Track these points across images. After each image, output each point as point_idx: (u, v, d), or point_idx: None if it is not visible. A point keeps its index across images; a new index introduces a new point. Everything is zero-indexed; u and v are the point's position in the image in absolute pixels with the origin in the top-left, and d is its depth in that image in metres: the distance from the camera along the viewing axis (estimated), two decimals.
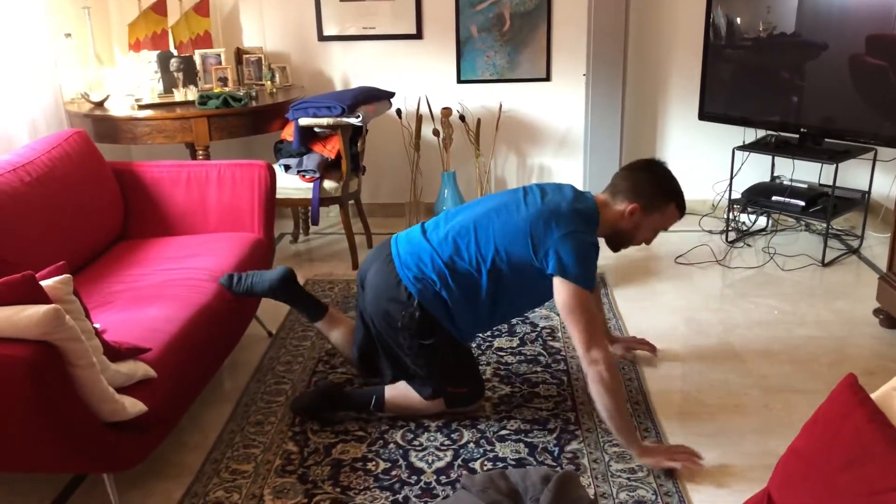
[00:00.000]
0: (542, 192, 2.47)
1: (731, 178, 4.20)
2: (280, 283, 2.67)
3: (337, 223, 4.55)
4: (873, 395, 1.35)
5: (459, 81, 4.52)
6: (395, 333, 2.46)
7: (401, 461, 2.39)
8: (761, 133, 4.23)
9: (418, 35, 4.46)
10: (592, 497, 2.20)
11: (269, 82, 4.22)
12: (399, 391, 2.58)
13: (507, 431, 2.53)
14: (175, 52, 4.06)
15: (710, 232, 4.33)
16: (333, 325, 2.75)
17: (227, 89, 3.97)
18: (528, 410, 2.65)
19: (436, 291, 2.41)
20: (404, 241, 2.54)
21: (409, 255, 2.47)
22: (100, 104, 3.77)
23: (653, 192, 2.44)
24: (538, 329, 3.22)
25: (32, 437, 1.92)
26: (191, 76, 3.98)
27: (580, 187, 4.57)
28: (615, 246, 2.55)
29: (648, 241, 2.55)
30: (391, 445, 2.47)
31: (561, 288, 2.31)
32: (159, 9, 4.12)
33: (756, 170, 4.35)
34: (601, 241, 2.48)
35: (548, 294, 2.38)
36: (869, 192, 4.00)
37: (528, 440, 2.48)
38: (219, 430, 2.58)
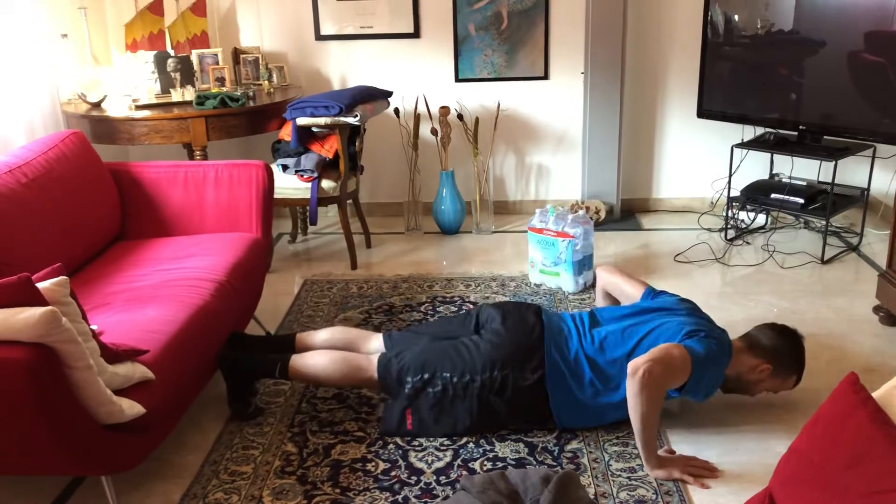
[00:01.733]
0: (699, 315, 2.61)
1: (730, 175, 4.20)
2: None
3: (335, 223, 4.54)
4: (874, 394, 1.35)
5: (457, 80, 4.51)
6: (483, 369, 2.43)
7: (400, 462, 2.38)
8: (760, 130, 4.23)
9: (416, 34, 4.45)
10: (592, 497, 2.19)
11: (266, 82, 4.21)
12: (304, 360, 2.55)
13: (507, 431, 2.52)
14: (172, 53, 4.05)
15: (710, 230, 4.33)
16: (306, 351, 2.68)
17: (224, 89, 3.96)
18: None
19: (566, 381, 2.44)
20: (555, 319, 2.61)
21: (557, 333, 2.53)
22: (97, 105, 3.76)
23: (788, 361, 2.53)
24: None
25: (30, 440, 1.91)
26: (188, 76, 3.97)
27: (579, 185, 4.59)
28: (728, 389, 2.58)
29: (754, 395, 2.60)
30: (390, 446, 2.46)
31: (673, 344, 2.35)
32: (156, 9, 4.11)
33: (755, 167, 4.35)
34: None
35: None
36: (868, 188, 4.00)
37: (528, 440, 2.48)
38: (218, 432, 2.57)
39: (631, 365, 2.26)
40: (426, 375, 2.45)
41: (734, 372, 2.49)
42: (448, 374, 2.44)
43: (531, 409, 2.48)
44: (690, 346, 2.34)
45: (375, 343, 2.70)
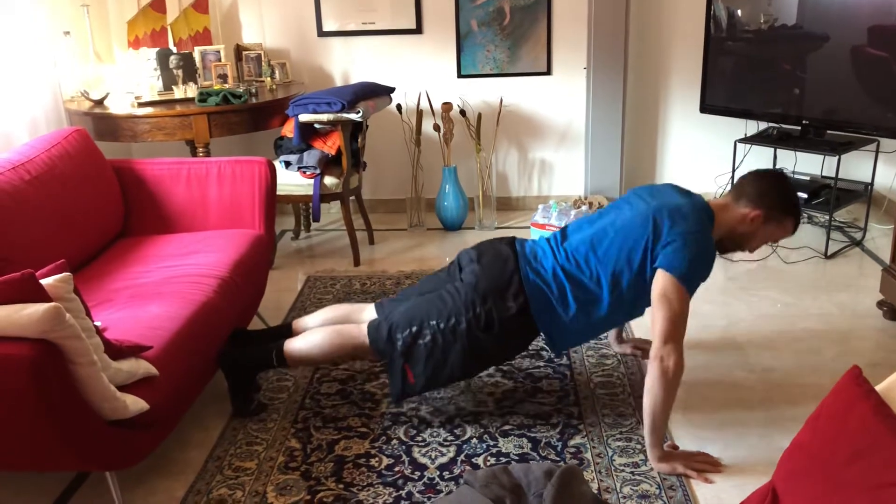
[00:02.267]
0: (654, 191, 2.51)
1: (733, 170, 4.19)
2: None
3: (338, 219, 4.54)
4: (878, 388, 1.34)
5: (460, 76, 4.50)
6: (466, 308, 2.39)
7: (404, 457, 2.38)
8: (763, 125, 4.22)
9: (418, 30, 4.45)
10: (596, 491, 2.20)
11: (268, 78, 4.20)
12: (298, 342, 2.54)
13: (510, 426, 2.52)
14: (174, 50, 4.05)
15: None
16: (308, 325, 2.70)
17: (226, 86, 3.96)
18: (530, 405, 2.64)
19: (549, 300, 2.40)
20: (529, 244, 2.55)
21: (531, 256, 2.47)
22: (99, 102, 3.76)
23: (778, 202, 2.43)
24: None
25: (34, 436, 1.91)
26: (190, 73, 3.97)
27: (581, 181, 4.58)
28: (724, 249, 2.51)
29: (754, 250, 2.53)
30: (394, 441, 2.46)
31: (663, 280, 2.27)
32: (158, 6, 4.11)
33: (758, 162, 4.33)
34: None
35: None
36: (872, 183, 3.99)
37: (532, 435, 2.48)
38: (221, 428, 2.57)
39: (655, 350, 2.24)
40: (414, 328, 2.41)
41: (725, 230, 2.42)
42: (434, 322, 2.40)
43: (523, 337, 2.46)
44: (673, 267, 2.26)
45: (368, 313, 2.67)
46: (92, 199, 2.94)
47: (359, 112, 3.68)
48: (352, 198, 4.08)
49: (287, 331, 2.74)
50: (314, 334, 2.55)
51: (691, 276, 2.29)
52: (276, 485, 2.28)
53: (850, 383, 1.35)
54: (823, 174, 4.13)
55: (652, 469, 2.29)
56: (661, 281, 2.28)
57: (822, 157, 4.03)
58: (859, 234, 4.07)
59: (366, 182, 4.53)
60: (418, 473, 2.30)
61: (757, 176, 2.49)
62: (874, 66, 3.64)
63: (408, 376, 2.44)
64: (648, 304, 2.37)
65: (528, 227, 3.72)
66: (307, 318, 2.75)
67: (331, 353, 2.54)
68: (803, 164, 4.22)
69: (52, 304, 1.81)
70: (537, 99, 4.53)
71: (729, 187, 4.22)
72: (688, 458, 2.30)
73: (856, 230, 4.14)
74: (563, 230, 2.57)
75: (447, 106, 4.32)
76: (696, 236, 2.31)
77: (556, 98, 4.52)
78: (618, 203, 2.55)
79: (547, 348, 3.01)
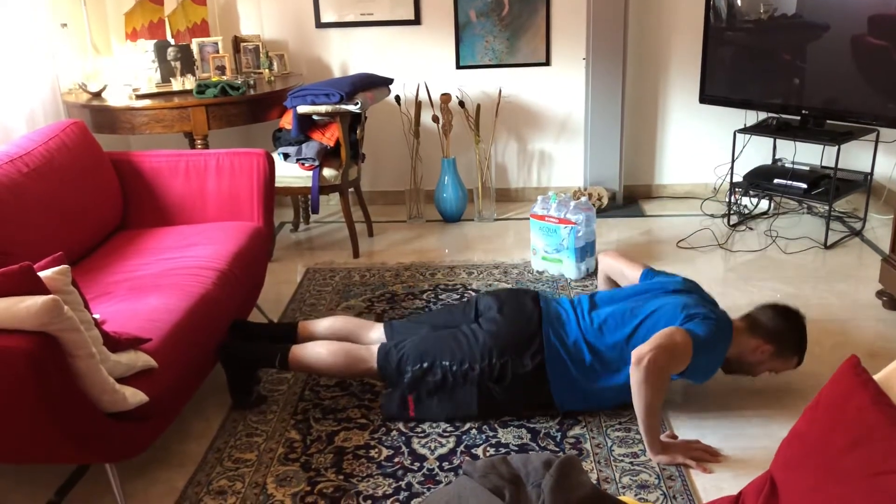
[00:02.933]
0: (691, 285, 2.64)
1: (733, 161, 4.18)
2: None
3: (337, 211, 4.54)
4: (876, 377, 1.35)
5: (458, 67, 4.49)
6: (482, 356, 2.43)
7: (403, 448, 2.39)
8: (762, 115, 4.21)
9: (416, 21, 4.43)
10: (595, 482, 2.20)
11: (266, 70, 4.19)
12: (305, 352, 2.56)
13: (509, 417, 2.53)
14: (172, 41, 4.04)
15: (712, 216, 4.32)
16: (315, 330, 2.73)
17: (224, 78, 3.95)
18: None
19: (566, 366, 2.44)
20: (553, 304, 2.59)
21: (555, 318, 2.52)
22: (97, 94, 3.75)
23: (790, 343, 2.51)
24: None
25: (33, 429, 1.91)
26: (188, 65, 3.96)
27: (581, 172, 4.58)
28: (730, 369, 2.56)
29: (756, 376, 2.59)
30: (393, 433, 2.46)
31: (676, 328, 2.32)
32: None
33: (757, 152, 4.33)
34: None
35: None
36: (871, 173, 3.98)
37: (531, 426, 2.48)
38: (221, 419, 2.58)
39: (635, 353, 2.25)
40: (425, 364, 2.45)
41: (735, 353, 2.48)
42: (447, 363, 2.44)
43: (532, 395, 2.48)
44: (691, 329, 2.33)
45: (376, 333, 2.70)
46: (90, 191, 2.93)
47: (357, 103, 3.67)
48: (351, 190, 4.07)
49: (291, 331, 2.75)
50: (322, 348, 2.57)
51: (703, 346, 2.31)
52: (276, 476, 2.28)
53: (848, 373, 1.35)
54: (823, 164, 4.12)
55: (651, 460, 2.29)
56: (673, 328, 2.33)
57: (822, 146, 4.02)
58: (859, 224, 4.06)
59: (365, 174, 4.52)
60: (418, 464, 2.31)
61: (776, 312, 2.55)
62: (874, 55, 3.63)
63: (409, 407, 2.49)
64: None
65: (528, 219, 3.71)
66: (315, 324, 2.76)
67: (337, 371, 2.58)
68: (803, 154, 4.21)
69: (51, 296, 1.80)
70: (536, 90, 4.52)
71: (728, 178, 4.22)
72: (686, 448, 2.31)
73: (855, 220, 4.13)
74: (592, 297, 2.63)
75: (446, 97, 4.31)
76: (717, 334, 2.38)
77: (556, 89, 4.51)
78: (653, 286, 2.63)
79: None
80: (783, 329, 2.51)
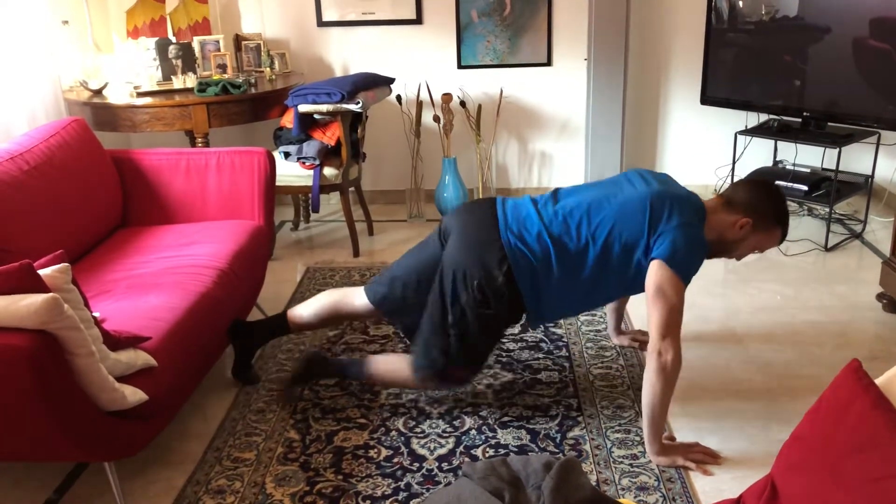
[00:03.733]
0: (656, 176, 2.48)
1: (734, 162, 4.18)
2: (307, 367, 2.66)
3: (337, 210, 4.54)
4: (877, 381, 1.34)
5: (460, 67, 4.49)
6: (461, 289, 2.34)
7: (402, 448, 2.38)
8: (764, 117, 4.21)
9: (418, 20, 4.43)
10: (594, 483, 2.20)
11: (268, 69, 4.19)
12: (387, 364, 2.55)
13: (509, 418, 2.52)
14: (173, 39, 4.04)
15: None
16: (302, 317, 2.74)
17: (225, 76, 3.94)
18: (529, 397, 2.64)
19: (532, 266, 2.33)
20: (511, 205, 2.45)
21: (514, 220, 2.39)
22: (98, 92, 3.75)
23: (769, 212, 2.42)
24: None
25: (32, 427, 1.91)
26: (189, 63, 3.96)
27: (581, 172, 4.57)
28: (712, 254, 2.48)
29: (740, 258, 2.51)
30: (393, 433, 2.46)
31: (659, 271, 2.24)
32: None
33: (758, 154, 4.33)
34: None
35: (640, 286, 2.34)
36: (872, 175, 3.98)
37: (530, 427, 2.48)
38: (220, 418, 2.57)
39: (653, 344, 2.22)
40: (440, 340, 2.40)
41: (715, 234, 2.39)
42: (449, 321, 2.37)
43: (517, 309, 2.41)
44: (669, 258, 2.23)
45: (359, 297, 2.65)
46: (90, 189, 2.93)
47: (358, 103, 3.67)
48: (351, 189, 4.07)
49: (282, 321, 2.76)
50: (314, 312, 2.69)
51: (688, 268, 2.29)
52: (275, 476, 2.28)
53: (850, 377, 1.35)
54: (824, 166, 4.12)
55: (650, 461, 2.29)
56: (657, 272, 2.26)
57: (823, 149, 4.02)
58: (859, 227, 4.06)
59: (365, 173, 4.52)
60: (417, 465, 2.31)
61: (750, 184, 2.49)
62: (875, 58, 3.62)
63: (454, 375, 2.47)
64: (629, 289, 2.37)
65: None
66: (300, 308, 2.75)
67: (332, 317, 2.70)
68: (804, 157, 4.21)
69: (51, 294, 1.80)
70: (537, 90, 4.52)
71: (729, 180, 4.22)
72: (686, 450, 2.30)
73: (856, 223, 4.13)
74: (555, 192, 2.50)
75: (447, 97, 4.30)
76: (693, 229, 2.31)
77: (557, 89, 4.51)
78: (617, 179, 2.51)
79: (546, 339, 3.01)
80: (760, 198, 2.41)
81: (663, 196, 2.33)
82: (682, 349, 2.25)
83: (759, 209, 2.40)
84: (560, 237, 2.34)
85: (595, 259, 2.32)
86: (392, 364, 2.55)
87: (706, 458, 2.29)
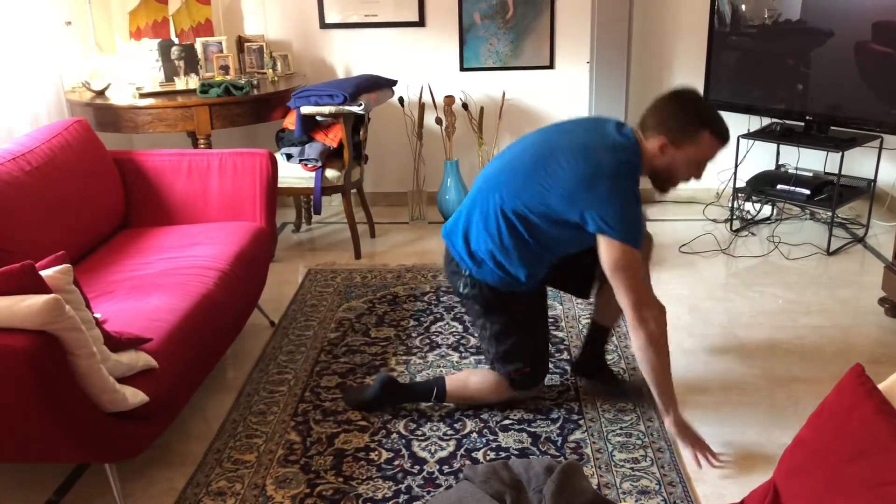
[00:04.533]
0: (575, 125, 2.37)
1: (736, 166, 4.17)
2: (382, 393, 2.59)
3: (339, 212, 4.54)
4: (880, 386, 1.34)
5: (462, 69, 4.49)
6: (464, 305, 2.54)
7: (403, 451, 2.38)
8: (766, 121, 4.20)
9: (421, 22, 4.43)
10: (595, 487, 2.19)
11: (270, 70, 4.19)
12: (459, 380, 2.56)
13: (510, 421, 2.52)
14: (176, 41, 4.04)
15: (715, 221, 4.31)
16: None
17: (228, 77, 3.95)
18: (530, 400, 2.63)
19: (481, 260, 2.37)
20: (457, 238, 2.45)
21: (453, 230, 2.46)
22: (100, 93, 3.75)
23: (679, 122, 2.19)
24: None
25: (33, 428, 1.91)
26: (192, 64, 3.96)
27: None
28: (659, 186, 2.33)
29: (697, 177, 2.28)
30: (394, 435, 2.46)
31: (606, 247, 2.16)
32: None
33: (761, 158, 4.33)
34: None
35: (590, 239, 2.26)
36: (875, 180, 3.98)
37: (532, 430, 2.47)
38: (221, 420, 2.57)
39: (632, 320, 2.20)
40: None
41: (647, 168, 2.25)
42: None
43: (511, 301, 2.45)
44: (609, 229, 2.15)
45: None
46: (92, 190, 2.93)
47: (361, 105, 3.67)
48: (353, 191, 4.07)
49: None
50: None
51: (629, 228, 2.16)
52: (276, 478, 2.27)
53: (852, 381, 1.35)
54: (826, 170, 4.12)
55: (652, 465, 2.29)
56: (603, 248, 2.17)
57: (826, 153, 4.01)
58: (862, 231, 4.06)
59: (367, 175, 4.52)
60: (418, 467, 2.30)
61: (656, 101, 2.27)
62: (878, 62, 3.62)
63: (522, 377, 2.51)
64: (587, 240, 2.27)
65: None
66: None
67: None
68: (806, 161, 4.21)
69: (52, 295, 1.80)
70: (540, 93, 4.52)
71: (732, 184, 4.22)
72: (697, 442, 2.29)
73: (858, 227, 4.13)
74: (483, 172, 2.48)
75: (449, 99, 4.30)
76: (613, 191, 2.16)
77: (559, 92, 4.50)
78: (535, 140, 2.39)
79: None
80: (668, 112, 2.21)
81: (564, 151, 2.22)
82: (673, 352, 2.24)
83: (669, 123, 2.20)
84: (494, 235, 2.33)
85: (526, 234, 2.29)
86: (461, 379, 2.58)
87: (705, 453, 2.28)
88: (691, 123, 2.20)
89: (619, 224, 2.16)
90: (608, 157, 2.20)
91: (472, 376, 2.58)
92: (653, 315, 2.21)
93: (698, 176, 2.30)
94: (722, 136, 2.23)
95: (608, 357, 2.84)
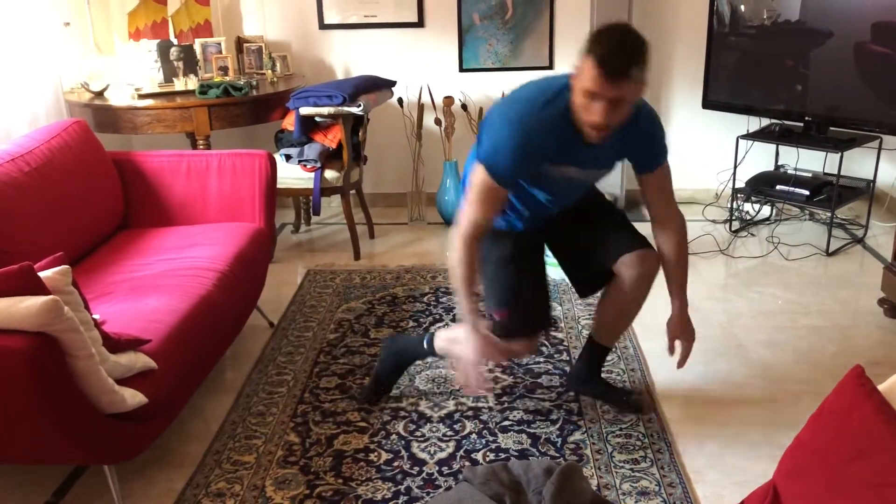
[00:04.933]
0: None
1: (735, 166, 4.17)
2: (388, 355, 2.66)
3: (338, 213, 4.53)
4: (880, 387, 1.34)
5: (461, 70, 4.49)
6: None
7: (403, 452, 2.38)
8: (765, 121, 4.20)
9: (420, 23, 4.43)
10: (595, 488, 2.19)
11: (269, 71, 4.19)
12: (451, 329, 2.56)
13: (510, 422, 2.52)
14: (175, 41, 4.04)
15: (714, 221, 4.31)
16: None
17: (227, 78, 3.94)
18: (530, 401, 2.64)
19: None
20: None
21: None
22: (99, 94, 3.75)
23: (580, 52, 1.97)
24: None
25: (32, 429, 1.91)
26: (191, 65, 3.95)
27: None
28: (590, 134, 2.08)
29: (590, 118, 2.01)
30: (393, 436, 2.46)
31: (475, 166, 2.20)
32: None
33: (760, 158, 4.32)
34: None
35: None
36: (874, 180, 3.98)
37: (531, 431, 2.47)
38: (220, 421, 2.57)
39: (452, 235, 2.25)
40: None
41: (573, 113, 2.07)
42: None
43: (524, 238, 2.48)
44: (481, 155, 2.17)
45: None
46: (91, 191, 2.93)
47: (360, 105, 3.67)
48: (352, 191, 4.07)
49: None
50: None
51: (493, 155, 2.13)
52: (275, 479, 2.27)
53: (852, 382, 1.34)
54: (826, 171, 4.12)
55: (651, 466, 2.29)
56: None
57: (825, 154, 4.01)
58: (861, 232, 4.06)
59: (366, 176, 4.51)
60: (417, 468, 2.30)
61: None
62: (877, 62, 3.62)
63: (510, 327, 2.39)
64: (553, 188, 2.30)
65: None
66: None
67: None
68: (805, 161, 4.21)
69: (51, 296, 1.80)
70: None
71: (731, 184, 4.22)
72: (485, 343, 2.24)
73: (857, 227, 4.13)
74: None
75: (449, 100, 4.30)
76: (497, 122, 2.17)
77: None
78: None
79: (547, 343, 3.00)
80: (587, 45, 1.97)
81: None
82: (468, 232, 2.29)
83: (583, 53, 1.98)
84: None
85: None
86: (447, 332, 2.57)
87: (481, 383, 2.25)
88: (582, 50, 1.97)
89: (487, 147, 2.17)
90: (520, 95, 2.20)
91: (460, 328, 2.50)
92: (462, 227, 2.30)
93: (590, 117, 2.00)
94: (601, 61, 1.91)
95: (609, 357, 2.84)
